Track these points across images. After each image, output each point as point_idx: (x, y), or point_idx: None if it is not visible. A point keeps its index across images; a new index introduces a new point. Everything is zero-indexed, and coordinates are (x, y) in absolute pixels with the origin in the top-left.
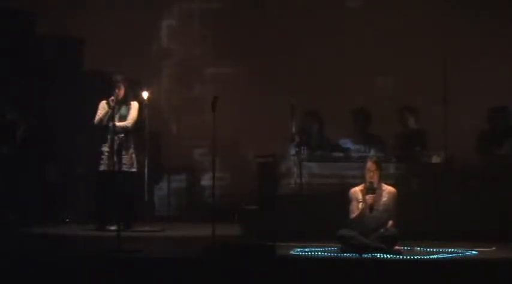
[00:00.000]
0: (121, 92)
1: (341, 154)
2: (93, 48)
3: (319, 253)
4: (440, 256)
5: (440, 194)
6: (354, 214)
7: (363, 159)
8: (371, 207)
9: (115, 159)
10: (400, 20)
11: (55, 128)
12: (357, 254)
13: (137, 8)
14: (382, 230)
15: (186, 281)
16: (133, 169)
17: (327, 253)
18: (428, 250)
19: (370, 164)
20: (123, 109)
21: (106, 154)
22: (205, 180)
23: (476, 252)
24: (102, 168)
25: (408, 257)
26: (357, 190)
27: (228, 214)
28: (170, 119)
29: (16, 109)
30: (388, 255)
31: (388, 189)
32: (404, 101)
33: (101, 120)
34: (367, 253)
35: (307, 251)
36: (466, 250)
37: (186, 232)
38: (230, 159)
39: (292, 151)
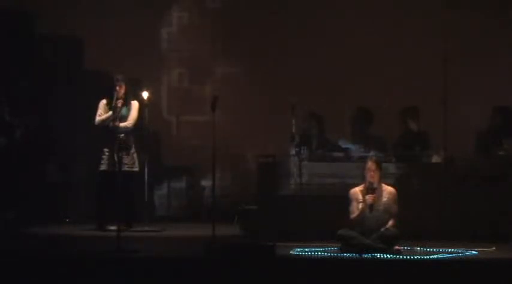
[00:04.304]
0: (121, 91)
1: (341, 154)
2: (93, 48)
3: (319, 253)
4: (440, 256)
5: (440, 194)
6: (354, 214)
7: (363, 159)
8: (371, 207)
9: (115, 158)
10: (400, 20)
11: (55, 128)
12: (357, 254)
13: (137, 8)
14: (382, 230)
15: (186, 281)
16: (135, 169)
17: (327, 253)
18: (428, 250)
19: (370, 164)
20: (123, 110)
21: (106, 154)
22: (205, 180)
23: (476, 252)
24: (102, 168)
25: (408, 257)
26: (356, 191)
27: (228, 215)
28: (170, 119)
29: (15, 110)
30: (388, 255)
31: (388, 189)
32: (404, 101)
33: (103, 120)
34: (367, 253)
35: (307, 251)
36: (466, 250)
37: (186, 232)
38: (230, 159)
39: (292, 151)
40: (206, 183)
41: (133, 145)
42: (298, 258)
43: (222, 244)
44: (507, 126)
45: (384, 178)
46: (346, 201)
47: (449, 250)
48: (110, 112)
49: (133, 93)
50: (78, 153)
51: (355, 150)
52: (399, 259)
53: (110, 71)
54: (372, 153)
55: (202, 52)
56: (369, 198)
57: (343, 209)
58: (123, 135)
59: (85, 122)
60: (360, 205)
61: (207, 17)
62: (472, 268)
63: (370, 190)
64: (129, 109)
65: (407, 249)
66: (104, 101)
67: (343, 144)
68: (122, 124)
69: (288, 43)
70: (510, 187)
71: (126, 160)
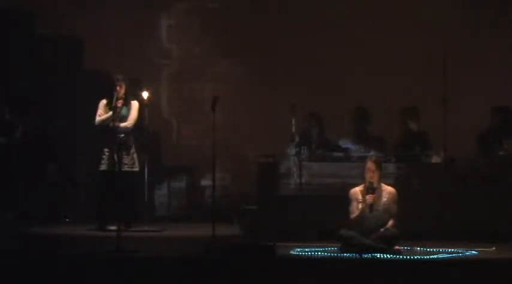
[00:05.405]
0: (121, 91)
1: (341, 154)
2: (93, 48)
3: (319, 253)
4: (440, 256)
5: (440, 194)
6: (354, 214)
7: (362, 159)
8: (371, 207)
9: (115, 158)
10: (400, 20)
11: (55, 128)
12: (357, 254)
13: (137, 7)
14: (382, 230)
15: (186, 281)
16: (135, 169)
17: (327, 253)
18: (428, 250)
19: (370, 164)
20: (123, 110)
21: (106, 154)
22: (205, 180)
23: (476, 252)
24: (102, 168)
25: (408, 257)
26: (356, 191)
27: (228, 215)
28: (170, 119)
29: (15, 110)
30: (388, 255)
31: (388, 189)
32: (404, 101)
33: (103, 120)
34: (367, 253)
35: (307, 251)
36: (466, 250)
37: (186, 232)
38: (230, 159)
39: (292, 151)
40: (206, 183)
41: (133, 145)
42: (298, 258)
43: (222, 244)
44: (507, 126)
45: (383, 178)
46: (346, 201)
47: (449, 250)
48: (110, 112)
49: (133, 93)
50: (78, 153)
51: (355, 150)
52: (399, 259)
53: (110, 70)
54: (372, 153)
55: (202, 52)
56: (369, 198)
57: (343, 209)
58: (123, 135)
59: (85, 122)
60: (360, 205)
61: (207, 17)
62: (472, 268)
63: (370, 190)
64: (129, 109)
65: (407, 249)
66: (104, 101)
67: (343, 144)
68: (122, 124)
69: (288, 43)
70: (510, 187)
71: (126, 160)
